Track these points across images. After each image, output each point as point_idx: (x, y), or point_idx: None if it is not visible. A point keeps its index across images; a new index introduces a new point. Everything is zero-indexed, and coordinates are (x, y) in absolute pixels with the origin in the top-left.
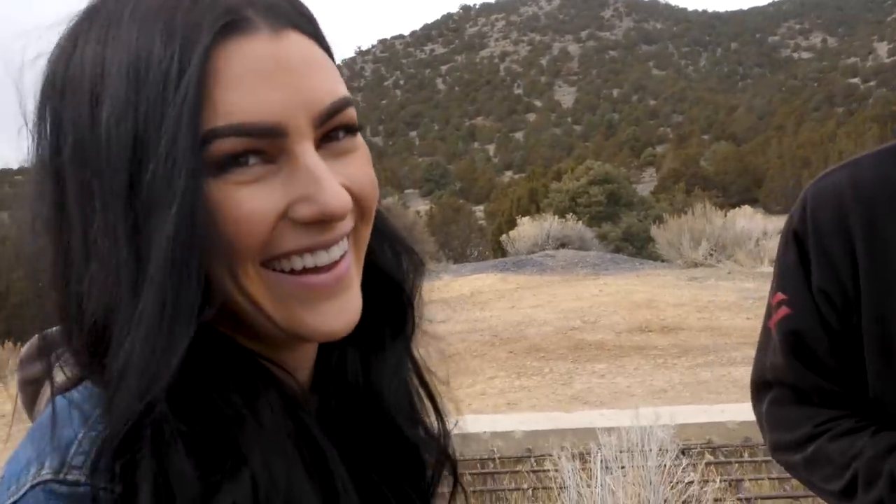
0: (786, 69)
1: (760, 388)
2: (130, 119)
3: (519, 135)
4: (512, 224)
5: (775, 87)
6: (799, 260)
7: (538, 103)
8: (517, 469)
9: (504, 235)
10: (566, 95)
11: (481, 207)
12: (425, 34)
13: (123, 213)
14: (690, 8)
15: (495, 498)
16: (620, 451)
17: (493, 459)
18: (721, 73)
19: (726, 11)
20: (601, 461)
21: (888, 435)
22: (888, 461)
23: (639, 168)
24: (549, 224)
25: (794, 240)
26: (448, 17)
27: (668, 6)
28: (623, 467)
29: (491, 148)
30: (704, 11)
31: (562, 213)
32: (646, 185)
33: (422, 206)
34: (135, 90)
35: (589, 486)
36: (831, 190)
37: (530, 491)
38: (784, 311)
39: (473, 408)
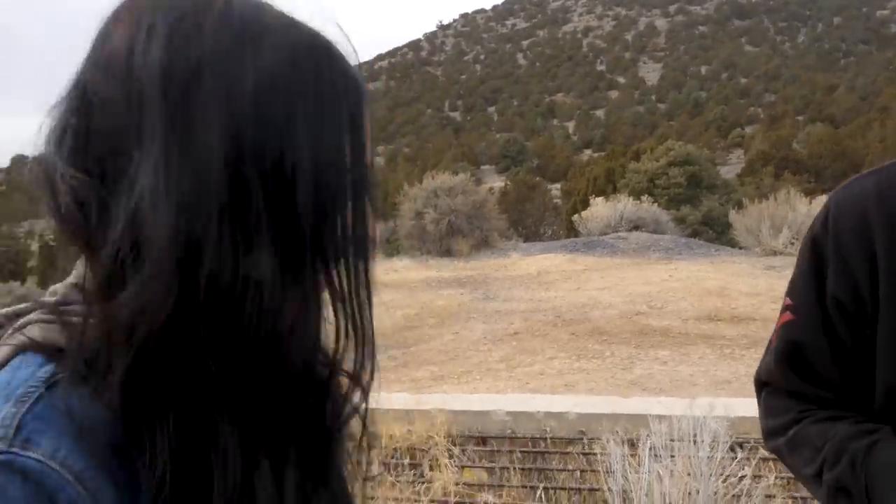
0: (894, 46)
1: (759, 385)
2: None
3: (600, 112)
4: (586, 204)
5: (881, 66)
6: (814, 267)
7: (621, 80)
8: (567, 450)
9: (576, 215)
10: (651, 72)
11: (558, 186)
12: (507, 8)
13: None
14: None
15: (543, 477)
16: (671, 440)
17: (545, 439)
18: (821, 51)
19: None
20: (650, 448)
21: (864, 422)
22: (853, 442)
23: (725, 149)
24: (624, 205)
25: (812, 246)
26: None
27: None
28: (673, 456)
29: (570, 125)
30: None
31: (638, 195)
32: (732, 167)
33: (497, 182)
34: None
35: (637, 471)
36: (855, 198)
37: (578, 473)
38: (788, 316)
39: (531, 387)
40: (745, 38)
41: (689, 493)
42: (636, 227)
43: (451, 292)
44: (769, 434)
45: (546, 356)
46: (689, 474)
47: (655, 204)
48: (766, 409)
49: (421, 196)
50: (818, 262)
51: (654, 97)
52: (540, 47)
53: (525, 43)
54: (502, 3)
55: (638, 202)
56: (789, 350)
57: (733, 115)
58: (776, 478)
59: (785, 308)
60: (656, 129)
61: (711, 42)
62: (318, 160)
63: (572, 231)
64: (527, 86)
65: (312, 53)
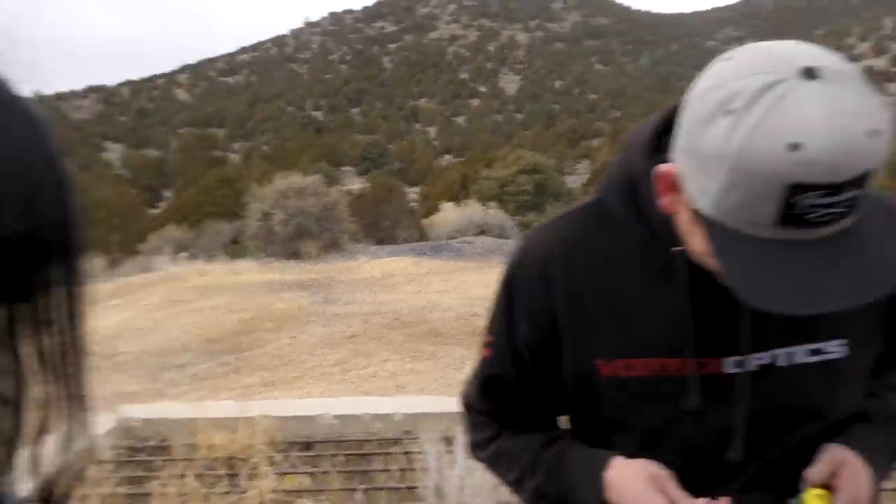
0: None
1: (466, 406)
2: None
3: (461, 119)
4: (437, 209)
5: None
6: (507, 308)
7: (483, 89)
8: (391, 451)
9: (425, 220)
10: (511, 83)
11: (417, 189)
12: (376, 11)
13: None
14: (634, 7)
15: (366, 479)
16: None
17: (371, 441)
18: (660, 73)
19: (669, 13)
20: (463, 444)
21: (552, 432)
22: (545, 452)
23: (574, 160)
24: (472, 211)
25: (505, 287)
26: None
27: (613, 3)
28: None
29: (432, 130)
30: (648, 12)
31: (489, 200)
32: (579, 176)
33: (357, 184)
34: None
35: (452, 468)
36: (540, 244)
37: (398, 472)
38: (486, 352)
39: (363, 390)
40: (596, 57)
41: (500, 486)
42: (483, 232)
43: (292, 295)
44: (474, 447)
45: (381, 359)
46: None
47: (502, 210)
48: (470, 425)
49: (270, 197)
50: (510, 302)
51: (512, 107)
52: (406, 52)
53: (392, 46)
54: (372, 5)
55: (485, 208)
56: (489, 385)
57: (583, 128)
58: None
59: (485, 344)
60: (513, 137)
61: (566, 59)
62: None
63: (426, 235)
64: (391, 89)
65: None
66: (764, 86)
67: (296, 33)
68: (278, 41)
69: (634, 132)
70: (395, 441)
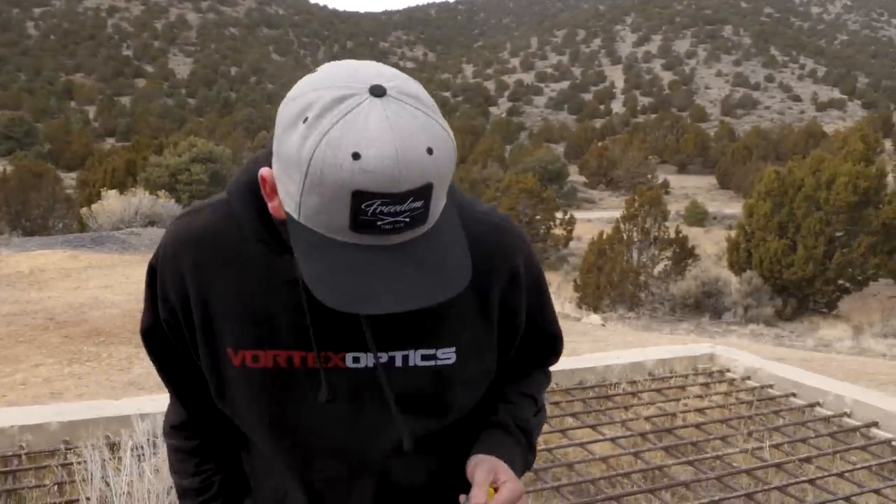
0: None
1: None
2: None
3: (126, 100)
4: (99, 196)
5: None
6: (150, 290)
7: (150, 69)
8: (46, 464)
9: (85, 209)
10: (182, 65)
11: (73, 175)
12: None
13: None
14: (312, 1)
15: (18, 498)
16: (155, 437)
17: (20, 456)
18: None
19: (344, 11)
20: (132, 448)
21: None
22: (187, 499)
23: (252, 150)
24: (139, 200)
25: (149, 273)
26: None
27: None
28: (157, 454)
29: (91, 110)
30: (325, 7)
31: (158, 189)
32: None
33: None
34: None
35: (118, 474)
36: (175, 239)
37: (55, 487)
38: (141, 325)
39: (8, 399)
40: (273, 46)
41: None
42: (152, 223)
43: None
44: (165, 432)
45: (31, 363)
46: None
47: (173, 199)
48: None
49: None
50: (152, 289)
51: (184, 91)
52: (56, 19)
53: (38, 11)
54: None
55: (155, 197)
56: (153, 352)
57: (260, 119)
58: None
59: (141, 319)
60: (185, 123)
61: (241, 45)
62: None
63: (86, 225)
64: (38, 60)
65: None
66: (336, 98)
67: None
68: None
69: (270, 137)
70: (51, 453)
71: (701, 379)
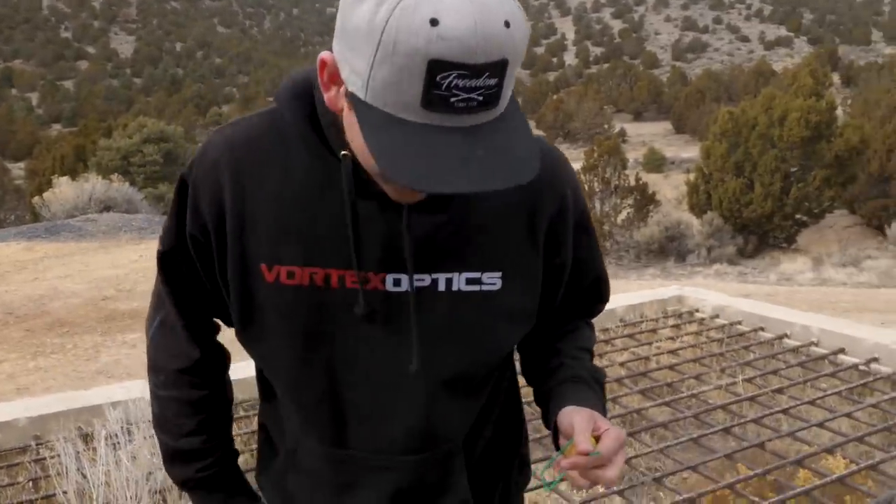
0: None
1: (154, 309)
2: None
3: (69, 84)
4: (51, 184)
5: None
6: (179, 206)
7: (91, 50)
8: (18, 461)
9: (37, 198)
10: (124, 44)
11: (21, 165)
12: None
13: None
14: None
15: None
16: (129, 424)
17: None
18: (284, 38)
19: None
20: (105, 437)
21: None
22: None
23: (204, 127)
24: (93, 185)
25: (180, 186)
26: None
27: None
28: (132, 441)
29: (34, 97)
30: None
31: (111, 173)
32: None
33: None
34: None
35: (94, 465)
36: (214, 146)
37: (30, 484)
38: (160, 247)
39: None
40: (217, 18)
41: (153, 472)
42: (108, 208)
43: None
44: (173, 376)
45: None
46: (153, 454)
47: (126, 183)
48: (158, 344)
49: None
50: (181, 202)
51: (129, 71)
52: None
53: None
54: None
55: (109, 181)
56: (166, 274)
57: (211, 94)
58: None
59: (160, 239)
60: (133, 104)
61: (184, 19)
62: None
63: (40, 215)
64: None
65: None
66: None
67: None
68: None
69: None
70: (22, 450)
71: (671, 321)
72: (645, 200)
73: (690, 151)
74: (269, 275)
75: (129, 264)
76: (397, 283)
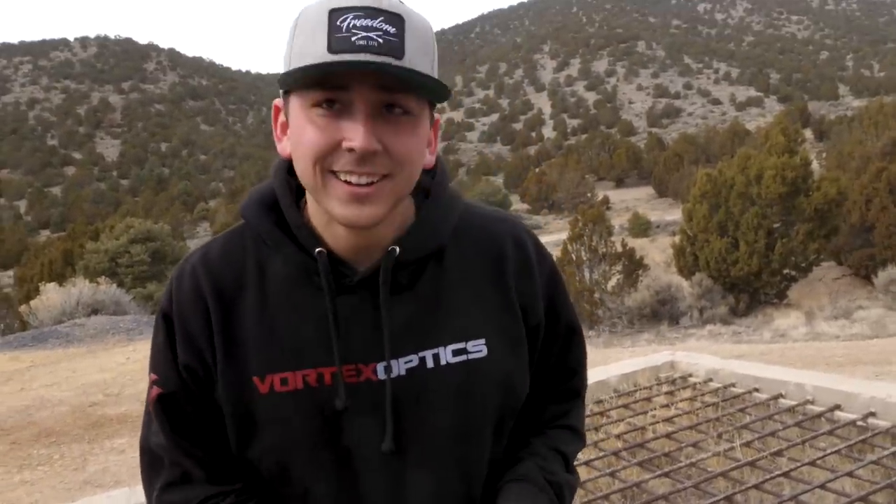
0: None
1: (151, 470)
2: None
3: (56, 189)
4: (38, 291)
5: None
6: (167, 340)
7: (78, 156)
8: None
9: (24, 306)
10: (110, 148)
11: (10, 273)
12: None
13: None
14: (235, 68)
15: None
16: None
17: None
18: (267, 131)
19: (268, 73)
20: None
21: None
22: None
23: (193, 223)
24: (80, 289)
25: (164, 321)
26: None
27: (212, 64)
28: None
29: (22, 204)
30: (248, 72)
31: (98, 276)
32: (202, 238)
33: None
34: None
35: None
36: (190, 273)
37: None
38: (156, 390)
39: None
40: (201, 117)
41: None
42: (95, 312)
43: None
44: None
45: None
46: None
47: (114, 285)
48: (162, 481)
49: None
50: (170, 335)
51: (115, 173)
52: None
53: None
54: None
55: (96, 284)
56: (166, 418)
57: (197, 190)
58: None
59: (152, 383)
60: (121, 205)
61: (168, 120)
62: None
63: (28, 323)
64: None
65: None
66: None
67: None
68: None
69: (276, 162)
70: None
71: (665, 388)
72: (633, 266)
73: (674, 214)
74: (263, 386)
75: (117, 367)
76: (387, 370)
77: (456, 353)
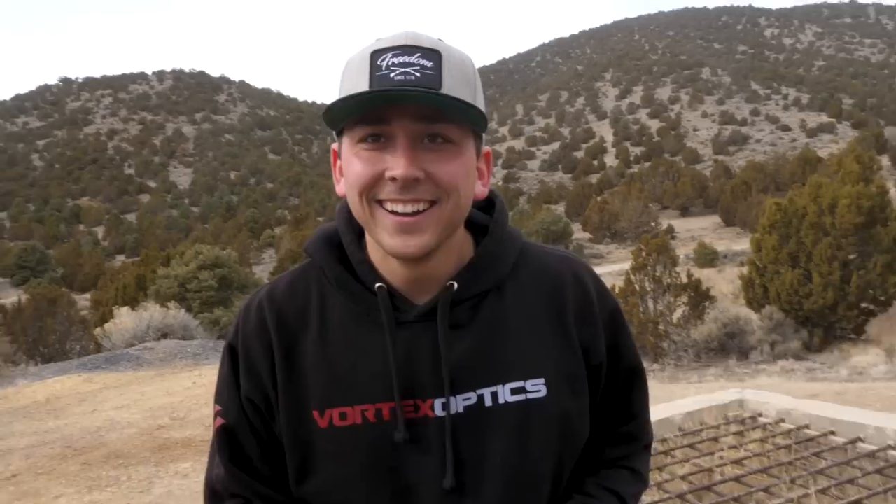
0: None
1: (214, 496)
2: None
3: (132, 216)
4: (112, 315)
5: None
6: (231, 371)
7: (152, 184)
8: None
9: (98, 329)
10: (182, 176)
11: (87, 296)
12: (17, 105)
13: None
14: (301, 99)
15: None
16: None
17: None
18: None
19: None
20: None
21: None
22: None
23: (259, 249)
24: (151, 314)
25: (229, 353)
26: (45, 89)
27: (280, 95)
28: None
29: (100, 230)
30: (314, 102)
31: (168, 300)
32: (267, 265)
33: (15, 296)
34: None
35: None
36: (257, 307)
37: None
38: (219, 421)
39: None
40: (269, 147)
41: None
42: (165, 336)
43: None
44: None
45: (52, 496)
46: None
47: (183, 309)
48: None
49: None
50: (234, 367)
51: (187, 201)
52: (59, 148)
53: (41, 143)
54: (11, 100)
55: (166, 309)
56: (228, 449)
57: (263, 218)
58: None
59: (216, 414)
60: (191, 231)
61: (238, 150)
62: None
63: (102, 346)
64: (45, 189)
65: None
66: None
67: None
68: None
69: (340, 203)
70: None
71: (733, 427)
72: (699, 297)
73: (742, 244)
74: (322, 420)
75: (183, 391)
76: (445, 406)
77: (514, 391)
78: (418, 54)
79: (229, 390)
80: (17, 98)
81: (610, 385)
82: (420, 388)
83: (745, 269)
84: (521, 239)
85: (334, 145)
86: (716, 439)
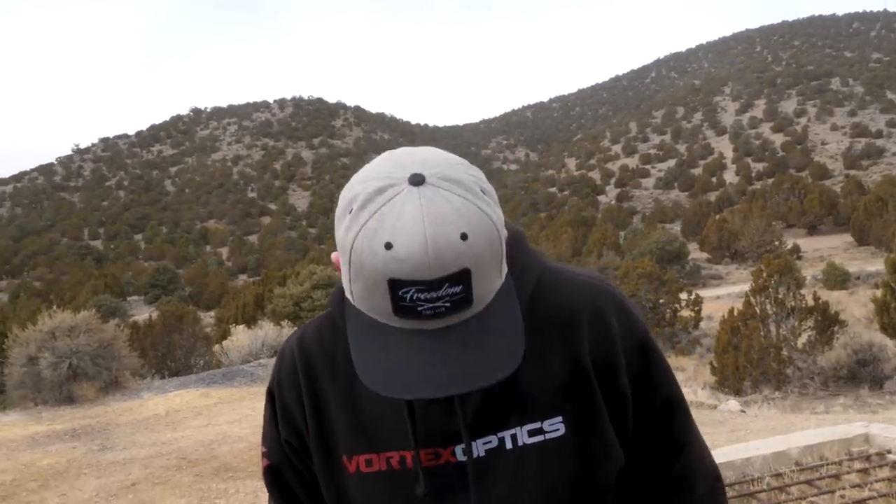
0: (497, 179)
1: None
2: None
3: (253, 238)
4: (231, 332)
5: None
6: (272, 414)
7: (273, 206)
8: None
9: (218, 346)
10: (301, 199)
11: (212, 314)
12: (152, 135)
13: None
14: (413, 122)
15: None
16: None
17: None
18: None
19: (445, 125)
20: None
21: None
22: None
23: None
24: (265, 332)
25: (269, 397)
26: (177, 119)
27: (393, 119)
28: None
29: (224, 251)
30: (426, 125)
31: (284, 319)
32: None
33: (147, 313)
34: None
35: None
36: (289, 352)
37: None
38: (265, 462)
39: None
40: None
41: None
42: (277, 353)
43: (61, 447)
44: None
45: None
46: None
47: (296, 328)
48: None
49: (35, 339)
50: (272, 408)
51: (304, 222)
52: (189, 174)
53: (173, 169)
54: (147, 129)
55: (279, 327)
56: (277, 490)
57: None
58: None
59: (263, 455)
60: (308, 252)
61: (353, 172)
62: None
63: (220, 362)
64: (177, 212)
65: None
66: (377, 189)
67: (64, 160)
68: (44, 170)
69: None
70: None
71: (857, 465)
72: (827, 321)
73: (877, 264)
74: (350, 466)
75: None
76: (465, 451)
77: (532, 433)
78: (446, 284)
79: (271, 432)
80: (153, 128)
81: (645, 417)
82: (440, 435)
83: (879, 292)
84: (537, 270)
85: (334, 256)
86: (837, 476)
